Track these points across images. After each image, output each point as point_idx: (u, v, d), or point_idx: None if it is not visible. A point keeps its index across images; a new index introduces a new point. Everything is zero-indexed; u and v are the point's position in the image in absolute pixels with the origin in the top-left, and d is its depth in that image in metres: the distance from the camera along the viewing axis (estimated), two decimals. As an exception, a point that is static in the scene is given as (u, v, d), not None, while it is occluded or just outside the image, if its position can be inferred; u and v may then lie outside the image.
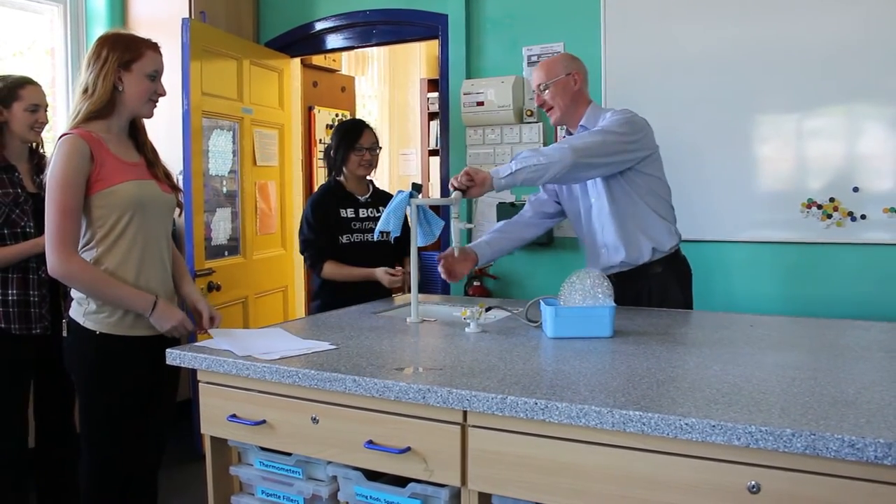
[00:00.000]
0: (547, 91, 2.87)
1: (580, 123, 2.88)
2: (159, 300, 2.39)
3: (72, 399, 3.12)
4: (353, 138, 3.40)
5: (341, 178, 3.45)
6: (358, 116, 6.10)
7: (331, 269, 3.31)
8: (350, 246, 3.34)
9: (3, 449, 3.00)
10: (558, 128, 3.99)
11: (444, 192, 4.42)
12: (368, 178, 3.54)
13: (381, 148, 3.51)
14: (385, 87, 7.67)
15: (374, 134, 3.49)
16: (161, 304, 2.38)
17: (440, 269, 2.87)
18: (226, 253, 4.35)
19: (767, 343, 2.23)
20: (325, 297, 3.34)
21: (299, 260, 4.94)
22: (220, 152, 4.29)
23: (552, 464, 1.65)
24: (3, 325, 2.93)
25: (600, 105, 3.23)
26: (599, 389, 1.69)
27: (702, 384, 1.72)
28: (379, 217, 3.23)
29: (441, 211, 3.98)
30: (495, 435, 1.71)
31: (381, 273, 3.20)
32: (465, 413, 1.74)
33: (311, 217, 3.35)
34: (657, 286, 2.88)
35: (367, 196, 3.45)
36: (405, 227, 2.78)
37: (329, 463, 1.99)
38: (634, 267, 2.86)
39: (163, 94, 2.49)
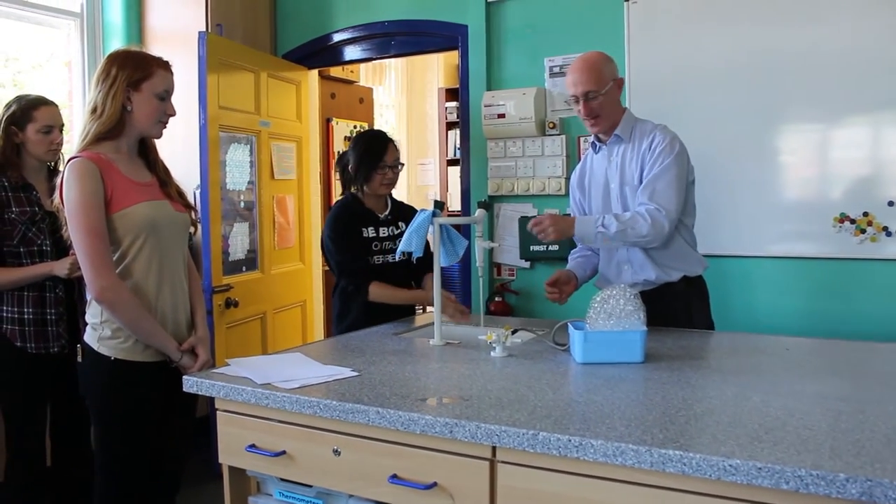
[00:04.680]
0: (596, 100, 2.70)
1: (615, 132, 2.78)
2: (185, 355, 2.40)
3: (88, 419, 3.08)
4: (377, 155, 3.12)
5: (359, 194, 3.20)
6: (376, 127, 6.02)
7: (378, 291, 3.03)
8: (372, 269, 3.12)
9: (20, 471, 2.97)
10: (581, 139, 3.93)
11: (465, 202, 4.35)
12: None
13: (403, 164, 3.26)
14: (403, 96, 7.62)
15: (397, 147, 3.22)
16: (186, 358, 2.39)
17: (550, 295, 2.81)
18: (244, 268, 4.29)
19: (807, 369, 2.15)
20: (352, 323, 3.07)
21: (318, 274, 4.89)
22: (237, 166, 4.24)
23: (585, 503, 1.57)
24: (19, 344, 2.90)
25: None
26: (636, 424, 1.61)
27: (743, 418, 1.64)
28: (399, 234, 3.15)
29: (463, 229, 3.89)
30: (526, 471, 1.63)
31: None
32: (493, 448, 1.67)
33: (337, 237, 3.09)
34: (682, 304, 2.80)
35: (386, 213, 3.22)
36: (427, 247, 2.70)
37: (351, 496, 1.92)
38: (658, 286, 2.79)
39: (172, 114, 2.42)
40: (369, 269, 3.08)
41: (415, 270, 3.21)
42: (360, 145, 3.19)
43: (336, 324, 3.20)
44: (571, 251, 3.11)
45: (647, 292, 2.74)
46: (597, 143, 2.89)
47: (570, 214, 3.02)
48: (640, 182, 2.73)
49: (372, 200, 3.22)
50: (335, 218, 3.15)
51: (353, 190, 3.22)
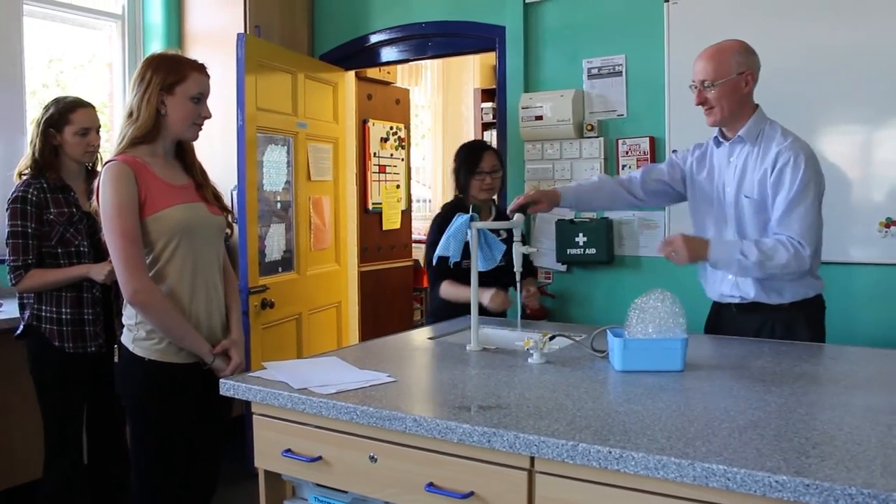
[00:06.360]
0: (712, 90, 2.60)
1: (739, 133, 2.65)
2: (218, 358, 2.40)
3: (124, 418, 3.11)
4: (474, 162, 3.44)
5: (465, 199, 3.47)
6: (412, 126, 6.01)
7: (447, 290, 3.34)
8: (468, 271, 3.01)
9: (59, 468, 3.01)
10: (616, 140, 3.88)
11: (502, 204, 4.31)
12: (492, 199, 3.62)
13: (502, 170, 3.55)
14: (438, 97, 7.61)
15: (496, 156, 3.53)
16: (219, 360, 2.40)
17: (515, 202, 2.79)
18: (279, 269, 4.31)
19: (853, 380, 2.09)
20: (440, 317, 3.24)
21: (353, 275, 4.91)
22: (274, 167, 4.26)
23: (626, 516, 1.54)
24: (57, 344, 2.93)
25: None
26: (677, 436, 1.58)
27: (788, 431, 1.60)
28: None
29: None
30: (565, 483, 1.61)
31: (486, 298, 3.10)
32: (532, 459, 1.64)
33: (432, 235, 3.38)
34: (782, 322, 2.65)
35: (489, 220, 3.44)
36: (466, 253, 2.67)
37: (387, 503, 1.90)
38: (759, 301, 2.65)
39: (208, 116, 2.42)
40: (450, 270, 3.13)
41: (504, 276, 3.17)
42: (460, 155, 3.55)
43: (429, 315, 3.53)
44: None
45: (747, 305, 2.66)
46: (719, 137, 2.76)
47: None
48: (759, 196, 2.59)
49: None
50: (441, 217, 3.41)
51: (458, 195, 3.55)
